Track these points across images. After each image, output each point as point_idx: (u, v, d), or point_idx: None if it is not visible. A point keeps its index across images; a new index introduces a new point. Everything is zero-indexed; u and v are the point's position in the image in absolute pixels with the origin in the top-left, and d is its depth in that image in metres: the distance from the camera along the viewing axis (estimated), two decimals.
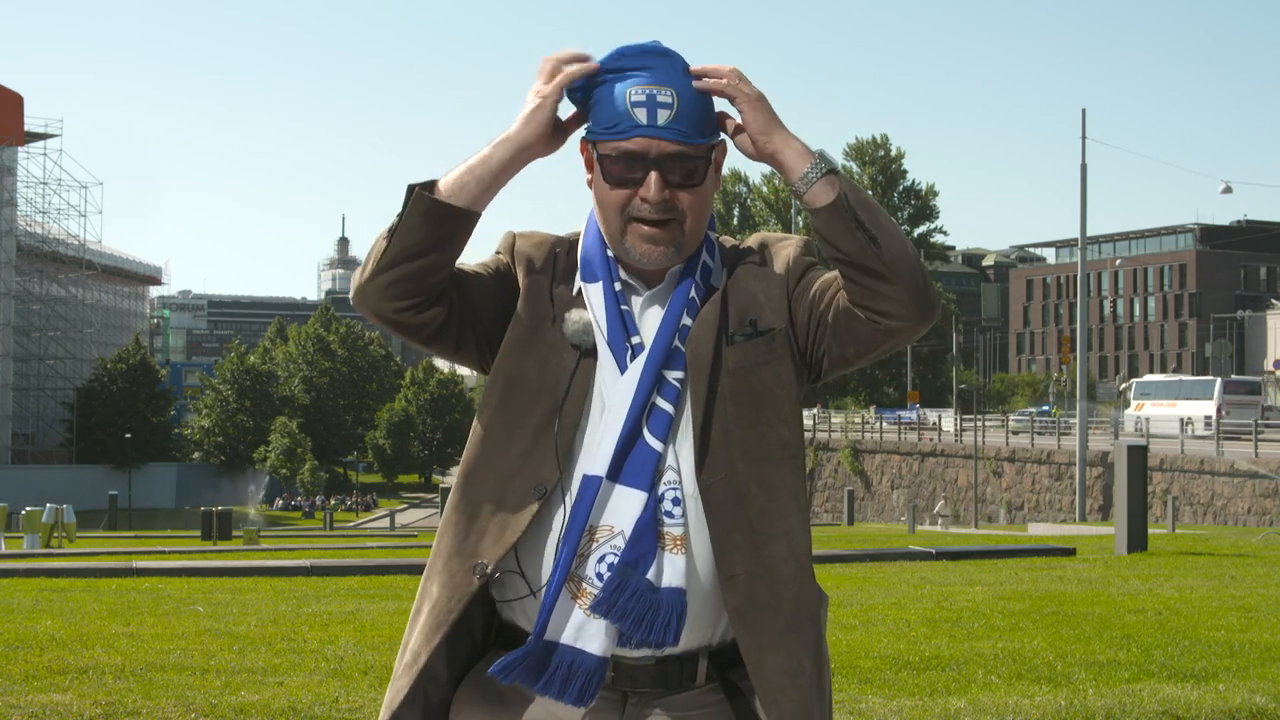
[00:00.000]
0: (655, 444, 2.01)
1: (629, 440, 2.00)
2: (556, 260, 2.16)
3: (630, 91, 2.02)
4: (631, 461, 2.00)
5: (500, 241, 2.22)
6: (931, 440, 48.75)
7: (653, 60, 2.05)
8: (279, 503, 72.60)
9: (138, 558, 16.04)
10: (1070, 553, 15.59)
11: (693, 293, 2.08)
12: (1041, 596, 10.36)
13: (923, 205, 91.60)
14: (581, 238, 2.16)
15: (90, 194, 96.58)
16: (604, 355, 2.06)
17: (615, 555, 1.97)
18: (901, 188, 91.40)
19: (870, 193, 2.01)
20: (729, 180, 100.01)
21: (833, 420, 56.49)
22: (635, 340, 2.06)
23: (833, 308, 2.06)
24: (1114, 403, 54.13)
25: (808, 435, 53.19)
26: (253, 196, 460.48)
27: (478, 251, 2.25)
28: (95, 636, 7.59)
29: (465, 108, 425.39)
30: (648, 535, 1.97)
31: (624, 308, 2.08)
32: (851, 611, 9.21)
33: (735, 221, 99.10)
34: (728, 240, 2.21)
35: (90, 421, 73.02)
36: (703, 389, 2.03)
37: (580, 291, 2.11)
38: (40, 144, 72.05)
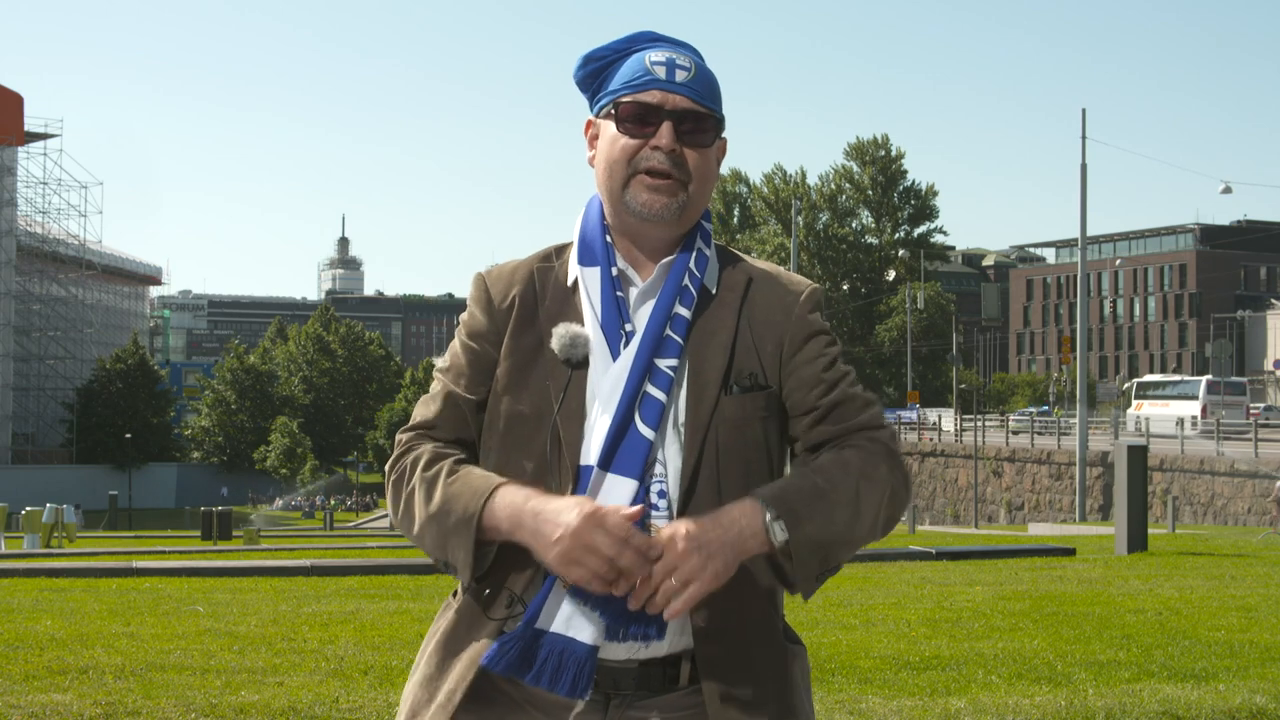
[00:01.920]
0: (647, 432, 2.00)
1: (621, 428, 2.00)
2: (535, 279, 2.15)
3: (650, 54, 2.11)
4: (623, 450, 2.00)
5: (471, 293, 2.19)
6: (931, 440, 48.76)
7: (667, 41, 2.15)
8: (279, 502, 72.72)
9: (138, 558, 16.06)
10: (1070, 553, 15.60)
11: (686, 280, 2.09)
12: (1041, 596, 10.36)
13: (923, 205, 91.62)
14: (579, 223, 2.17)
15: (90, 194, 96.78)
16: (597, 343, 2.05)
17: None
18: (901, 188, 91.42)
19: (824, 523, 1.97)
20: (729, 180, 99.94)
21: None
22: (628, 327, 2.06)
23: (799, 449, 2.11)
24: (1115, 402, 54.13)
25: None
26: (253, 196, 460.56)
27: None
28: (95, 636, 7.59)
29: (466, 107, 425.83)
30: (635, 527, 1.96)
31: (619, 294, 2.09)
32: (851, 611, 9.21)
33: (735, 221, 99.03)
34: (730, 249, 2.20)
35: (90, 421, 73.08)
36: (699, 437, 2.02)
37: (576, 282, 2.11)
38: (40, 144, 72.12)
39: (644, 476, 1.99)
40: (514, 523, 1.94)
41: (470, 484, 1.99)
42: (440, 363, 2.19)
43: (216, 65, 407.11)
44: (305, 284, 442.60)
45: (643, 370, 2.02)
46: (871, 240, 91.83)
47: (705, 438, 2.02)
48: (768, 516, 1.92)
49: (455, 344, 2.18)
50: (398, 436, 2.16)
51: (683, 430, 2.03)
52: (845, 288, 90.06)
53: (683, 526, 1.89)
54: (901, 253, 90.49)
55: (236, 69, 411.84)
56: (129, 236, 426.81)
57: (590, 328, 2.07)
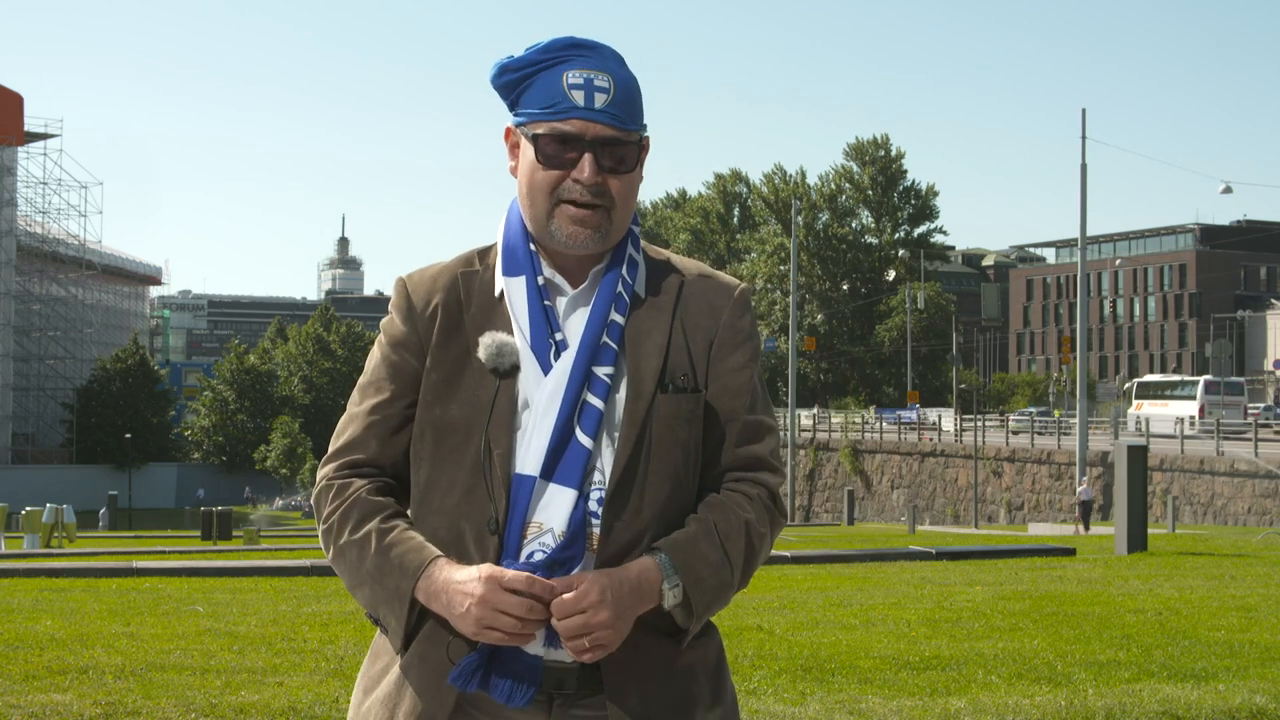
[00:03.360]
0: (586, 441, 2.00)
1: (562, 438, 1.99)
2: (460, 284, 2.12)
3: (568, 74, 2.03)
4: (565, 460, 1.99)
5: (393, 299, 2.16)
6: (931, 440, 48.77)
7: (585, 50, 2.07)
8: (278, 502, 72.71)
9: (138, 558, 16.07)
10: (1070, 553, 15.61)
11: (619, 288, 2.07)
12: (1041, 596, 10.37)
13: (923, 205, 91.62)
14: (502, 230, 2.14)
15: (90, 194, 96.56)
16: (525, 352, 2.03)
17: (543, 552, 1.97)
18: (901, 188, 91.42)
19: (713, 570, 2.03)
20: (729, 180, 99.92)
21: (833, 420, 56.50)
22: (559, 337, 2.04)
23: (709, 473, 2.10)
24: (1115, 402, 54.15)
25: (807, 435, 53.26)
26: (253, 196, 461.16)
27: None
28: (95, 636, 7.59)
29: (466, 107, 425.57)
30: (580, 538, 1.97)
31: (547, 303, 2.06)
32: (851, 611, 9.22)
33: (735, 221, 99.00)
34: (657, 250, 2.18)
35: (90, 421, 73.04)
36: (635, 432, 2.01)
37: (502, 294, 2.09)
38: (40, 144, 72.05)
39: (583, 485, 1.99)
40: (430, 595, 1.98)
41: (402, 561, 2.01)
42: (363, 377, 2.16)
43: (216, 65, 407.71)
44: (305, 284, 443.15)
45: (581, 378, 2.01)
46: (871, 240, 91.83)
47: (640, 434, 2.02)
48: (665, 585, 1.97)
49: (376, 354, 2.15)
50: (322, 469, 2.14)
51: (618, 432, 2.02)
52: (845, 288, 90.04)
53: (599, 583, 1.92)
54: (901, 253, 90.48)
55: (236, 69, 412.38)
56: (129, 236, 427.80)
57: (518, 337, 2.04)
